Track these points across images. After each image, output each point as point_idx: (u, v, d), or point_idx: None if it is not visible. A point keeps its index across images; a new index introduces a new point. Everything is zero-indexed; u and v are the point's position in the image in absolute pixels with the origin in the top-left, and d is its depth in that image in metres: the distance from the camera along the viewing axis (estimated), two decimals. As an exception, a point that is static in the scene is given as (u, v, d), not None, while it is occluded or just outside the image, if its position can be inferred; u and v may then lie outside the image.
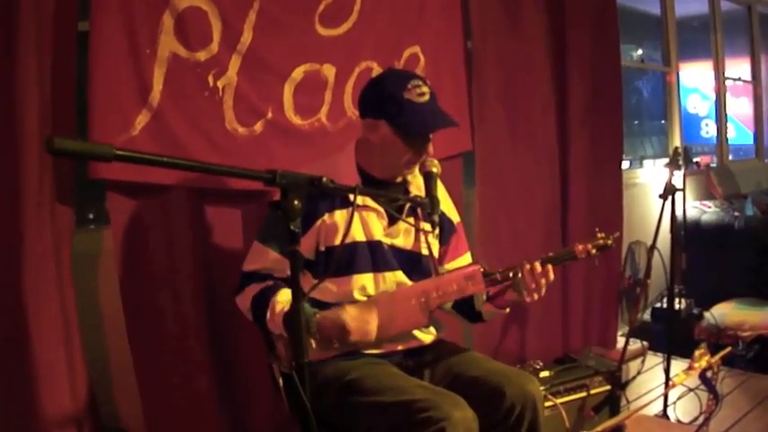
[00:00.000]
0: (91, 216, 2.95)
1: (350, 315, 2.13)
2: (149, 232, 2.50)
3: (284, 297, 2.13)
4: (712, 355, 2.17)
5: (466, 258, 2.52)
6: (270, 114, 2.72)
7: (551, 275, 2.22)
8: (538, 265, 2.20)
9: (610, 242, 2.31)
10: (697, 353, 2.18)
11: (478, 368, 2.24)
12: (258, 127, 2.70)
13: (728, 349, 2.27)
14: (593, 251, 2.28)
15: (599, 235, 2.32)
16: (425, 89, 2.20)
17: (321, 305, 2.21)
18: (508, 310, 2.36)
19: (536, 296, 2.22)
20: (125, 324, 2.46)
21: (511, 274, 2.21)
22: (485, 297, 2.35)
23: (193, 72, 2.52)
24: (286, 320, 2.04)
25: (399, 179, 2.36)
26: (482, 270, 2.21)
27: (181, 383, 2.57)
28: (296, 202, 1.52)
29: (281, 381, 2.19)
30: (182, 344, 2.56)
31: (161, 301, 2.53)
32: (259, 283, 2.23)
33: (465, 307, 2.41)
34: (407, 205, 2.30)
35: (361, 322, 2.14)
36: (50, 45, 2.21)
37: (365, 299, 2.24)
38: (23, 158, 2.14)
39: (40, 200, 2.20)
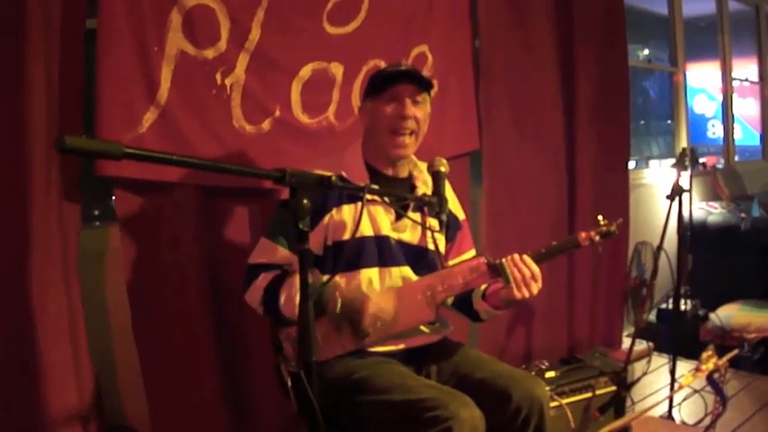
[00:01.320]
0: (97, 213, 2.96)
1: (371, 297, 2.14)
2: (156, 229, 2.51)
3: None
4: (719, 357, 2.16)
5: (470, 255, 2.51)
6: (277, 112, 2.73)
7: (534, 267, 2.18)
8: (516, 255, 2.19)
9: (613, 228, 2.28)
10: (704, 355, 2.17)
11: (485, 370, 2.24)
12: (266, 125, 2.70)
13: (736, 351, 2.26)
14: (597, 238, 2.26)
15: (602, 222, 2.29)
16: (405, 64, 2.30)
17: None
18: (503, 311, 2.34)
19: (525, 292, 2.18)
20: (131, 321, 2.46)
21: (497, 262, 2.20)
22: (481, 295, 2.35)
23: (201, 70, 2.52)
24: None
25: (405, 173, 2.37)
26: (486, 262, 2.21)
27: (187, 382, 2.57)
28: (305, 201, 1.52)
29: (289, 381, 2.19)
30: (188, 342, 2.56)
31: (168, 298, 2.53)
32: (270, 272, 2.23)
33: (464, 305, 2.40)
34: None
35: (379, 304, 2.14)
36: (58, 43, 2.22)
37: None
38: (31, 156, 2.15)
39: (47, 197, 2.21)
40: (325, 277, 2.14)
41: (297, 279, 2.08)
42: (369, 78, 2.33)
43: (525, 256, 2.19)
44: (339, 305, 2.10)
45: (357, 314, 2.12)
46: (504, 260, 2.19)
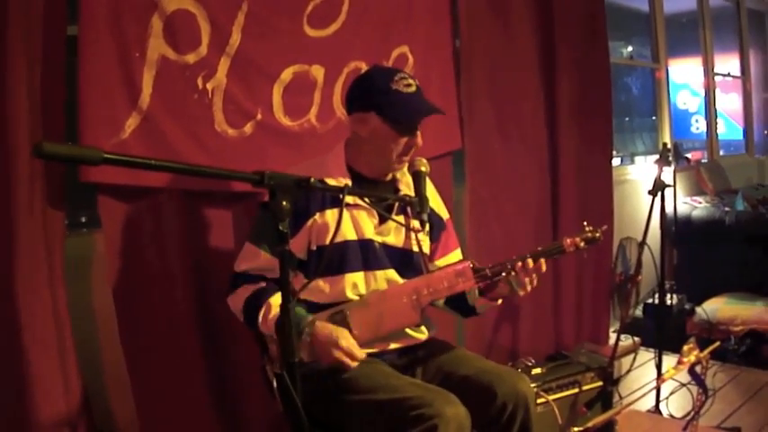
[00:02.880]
0: (83, 220, 2.95)
1: (344, 335, 2.12)
2: (141, 235, 2.51)
3: (278, 300, 2.13)
4: (702, 349, 2.18)
5: (456, 254, 2.53)
6: (259, 116, 2.73)
7: (544, 268, 2.24)
8: (530, 262, 2.21)
9: (598, 235, 2.31)
10: (686, 347, 2.18)
11: (469, 367, 2.26)
12: (248, 128, 2.71)
13: (717, 344, 2.28)
14: (582, 244, 2.29)
15: (587, 228, 2.32)
16: (412, 81, 2.25)
17: (314, 306, 2.22)
18: (500, 301, 2.36)
19: (528, 288, 2.23)
20: (118, 327, 2.46)
21: (504, 273, 2.22)
22: (477, 292, 2.36)
23: (182, 74, 2.53)
24: (278, 326, 2.05)
25: (389, 177, 2.38)
26: (472, 266, 2.22)
27: (174, 385, 2.57)
28: (284, 203, 1.54)
29: (274, 382, 2.20)
30: (175, 345, 2.57)
31: (153, 303, 2.53)
32: (252, 284, 2.24)
33: (458, 302, 2.42)
34: (397, 203, 2.31)
35: (350, 345, 2.11)
36: (39, 49, 2.21)
37: (357, 298, 2.25)
38: (14, 163, 2.14)
39: (32, 204, 2.20)
40: (308, 318, 2.15)
41: (275, 300, 2.12)
42: (379, 93, 2.23)
43: (529, 260, 2.22)
44: (308, 346, 2.13)
45: (329, 351, 2.11)
46: (508, 266, 2.23)
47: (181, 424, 2.59)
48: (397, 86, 2.21)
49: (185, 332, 2.59)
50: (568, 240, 2.29)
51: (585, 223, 2.35)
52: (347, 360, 2.08)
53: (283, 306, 1.58)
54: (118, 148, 2.35)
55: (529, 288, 2.24)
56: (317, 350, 2.12)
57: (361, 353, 2.12)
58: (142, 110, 2.43)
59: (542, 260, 2.24)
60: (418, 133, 2.27)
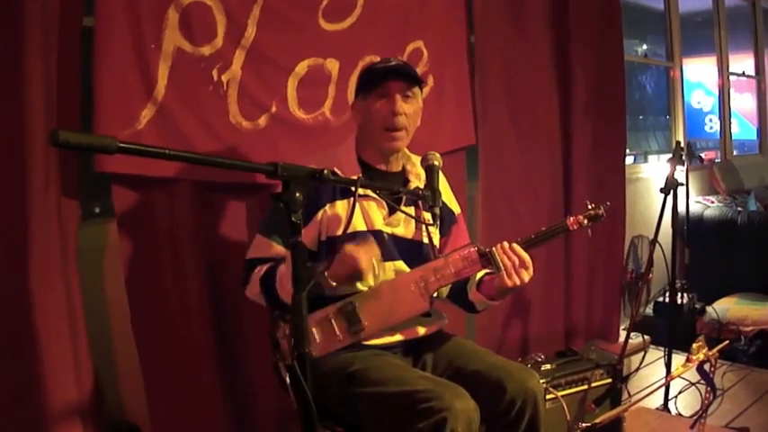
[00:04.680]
0: (97, 210, 2.96)
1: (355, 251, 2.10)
2: (154, 225, 2.53)
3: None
4: (710, 347, 2.19)
5: (466, 249, 2.53)
6: (274, 108, 2.75)
7: (523, 254, 2.21)
8: (506, 243, 2.22)
9: (600, 212, 2.32)
10: (695, 345, 2.19)
11: (480, 362, 2.26)
12: (262, 121, 2.72)
13: (726, 342, 2.29)
14: (585, 221, 2.30)
15: (589, 205, 2.33)
16: (394, 60, 2.29)
17: (322, 298, 2.22)
18: (498, 302, 2.35)
19: (516, 279, 2.20)
20: (130, 316, 2.48)
21: (487, 250, 2.23)
22: (475, 285, 2.37)
23: (198, 66, 2.54)
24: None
25: (398, 168, 2.39)
26: (477, 250, 2.23)
27: (186, 377, 2.59)
28: (297, 195, 1.54)
29: (287, 378, 2.20)
30: (187, 337, 2.58)
31: (166, 294, 2.55)
32: (264, 264, 2.24)
33: (460, 296, 2.43)
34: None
35: (365, 253, 2.11)
36: (56, 40, 2.23)
37: (366, 289, 2.26)
38: (29, 153, 2.16)
39: (46, 194, 2.22)
40: (320, 267, 2.14)
41: (288, 263, 2.11)
42: (359, 75, 2.36)
43: (514, 244, 2.22)
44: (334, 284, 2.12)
45: (355, 277, 2.12)
46: (493, 248, 2.21)
47: (192, 413, 2.61)
48: (375, 65, 2.28)
49: (197, 322, 2.60)
50: (571, 219, 2.30)
51: (588, 201, 2.36)
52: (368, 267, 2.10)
53: (296, 297, 1.58)
54: (132, 138, 2.36)
55: (516, 279, 2.20)
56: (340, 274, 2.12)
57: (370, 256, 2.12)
58: (157, 101, 2.44)
59: (517, 247, 2.22)
60: (398, 98, 2.25)
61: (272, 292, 2.18)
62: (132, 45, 2.38)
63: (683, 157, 3.60)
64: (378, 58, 2.98)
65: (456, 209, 2.55)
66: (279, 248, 2.23)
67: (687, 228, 4.94)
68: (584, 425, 2.40)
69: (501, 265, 2.19)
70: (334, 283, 2.11)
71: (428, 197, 2.17)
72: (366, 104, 2.28)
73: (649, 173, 5.59)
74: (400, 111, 2.25)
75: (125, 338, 2.52)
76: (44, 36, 2.18)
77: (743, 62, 7.49)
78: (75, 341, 2.31)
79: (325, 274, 2.09)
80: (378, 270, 2.22)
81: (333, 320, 2.20)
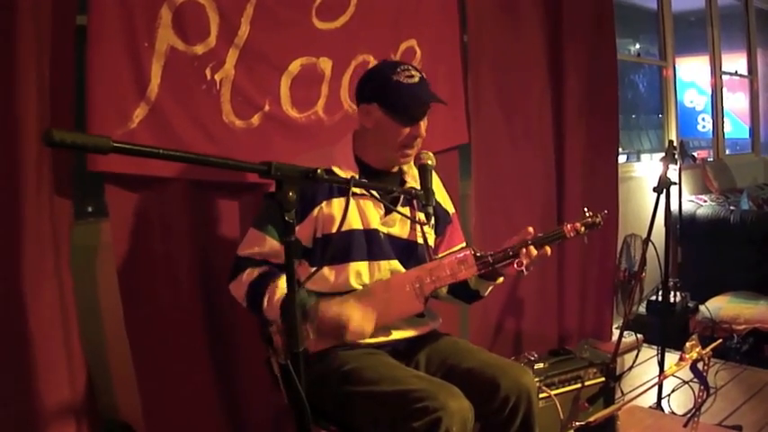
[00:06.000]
0: (90, 209, 2.96)
1: (352, 316, 2.15)
2: (148, 224, 2.52)
3: (285, 284, 2.14)
4: (703, 346, 2.19)
5: (460, 248, 2.53)
6: (267, 107, 2.74)
7: (548, 251, 2.26)
8: (533, 249, 2.22)
9: (598, 220, 2.33)
10: (688, 344, 2.19)
11: (473, 360, 2.26)
12: (255, 120, 2.72)
13: (719, 341, 2.29)
14: (582, 229, 2.31)
15: (587, 213, 2.34)
16: (415, 72, 2.26)
17: (318, 295, 2.22)
18: (502, 279, 2.38)
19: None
20: (123, 315, 2.47)
21: (506, 260, 2.23)
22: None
23: (191, 65, 2.54)
24: (283, 307, 2.06)
25: (395, 169, 2.39)
26: (474, 254, 2.23)
27: (179, 375, 2.59)
28: (291, 194, 1.54)
29: (278, 374, 2.21)
30: (180, 336, 2.58)
31: (159, 293, 2.54)
32: (256, 267, 2.24)
33: (461, 289, 2.42)
34: (403, 195, 2.32)
35: (361, 324, 2.16)
36: (49, 39, 2.22)
37: (361, 287, 2.26)
38: (22, 152, 2.15)
39: (39, 193, 2.21)
40: (312, 300, 2.18)
41: (281, 282, 2.12)
42: (381, 85, 2.26)
43: (531, 247, 2.23)
44: (315, 329, 2.14)
45: (338, 333, 2.15)
46: (509, 256, 2.23)
47: (185, 412, 2.60)
48: (399, 77, 2.22)
49: (191, 322, 2.59)
50: (568, 226, 2.31)
51: (586, 209, 2.36)
52: (353, 339, 2.13)
53: (289, 296, 1.58)
54: (126, 137, 2.35)
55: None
56: (324, 331, 2.14)
57: (370, 326, 2.15)
58: (150, 100, 2.43)
59: (547, 247, 2.25)
60: (421, 124, 2.28)
61: (258, 302, 2.19)
62: (125, 44, 2.37)
63: (676, 156, 3.61)
64: (371, 58, 2.99)
65: (450, 209, 2.55)
66: (273, 242, 2.23)
67: (680, 227, 4.94)
68: (577, 423, 2.40)
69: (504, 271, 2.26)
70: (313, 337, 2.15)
71: (421, 196, 2.18)
72: (386, 120, 2.25)
73: (642, 172, 5.60)
74: (423, 134, 2.29)
75: (118, 337, 2.52)
76: (37, 34, 2.17)
77: (735, 61, 7.51)
78: (68, 340, 2.31)
79: (309, 330, 2.12)
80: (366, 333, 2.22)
81: None
